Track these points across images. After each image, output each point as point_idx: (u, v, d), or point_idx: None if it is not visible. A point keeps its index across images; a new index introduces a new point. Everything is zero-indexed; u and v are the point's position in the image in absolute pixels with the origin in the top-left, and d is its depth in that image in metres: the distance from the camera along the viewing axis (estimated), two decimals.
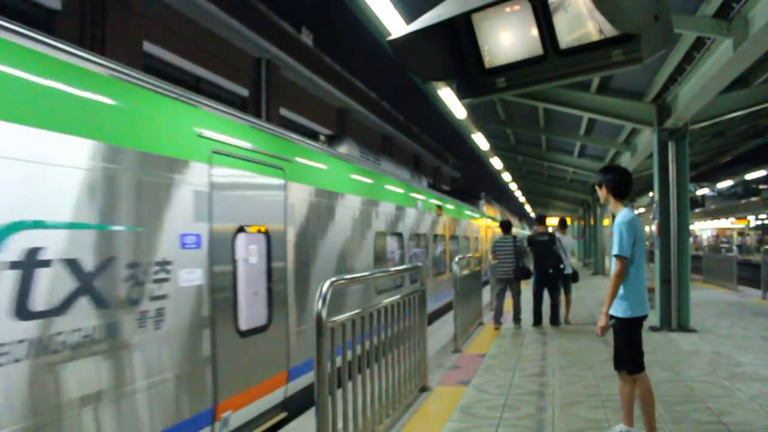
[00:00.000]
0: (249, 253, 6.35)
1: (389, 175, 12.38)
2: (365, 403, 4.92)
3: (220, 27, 17.62)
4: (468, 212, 22.39)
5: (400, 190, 12.80)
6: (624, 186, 5.09)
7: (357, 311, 4.84)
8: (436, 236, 16.27)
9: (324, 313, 4.02)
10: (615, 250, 4.86)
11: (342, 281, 4.56)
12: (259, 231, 6.54)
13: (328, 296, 4.07)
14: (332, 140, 10.74)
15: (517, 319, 11.67)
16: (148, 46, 14.59)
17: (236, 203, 6.09)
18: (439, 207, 16.73)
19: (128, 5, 13.87)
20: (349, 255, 9.28)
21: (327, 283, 4.15)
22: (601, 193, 5.13)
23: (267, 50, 19.80)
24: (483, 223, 26.02)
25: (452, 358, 8.84)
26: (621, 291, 4.85)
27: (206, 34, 17.31)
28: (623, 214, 4.99)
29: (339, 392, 4.46)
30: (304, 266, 7.64)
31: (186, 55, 16.26)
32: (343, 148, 10.63)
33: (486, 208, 27.73)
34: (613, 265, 4.97)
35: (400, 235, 12.48)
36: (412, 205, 13.59)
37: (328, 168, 8.75)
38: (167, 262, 4.97)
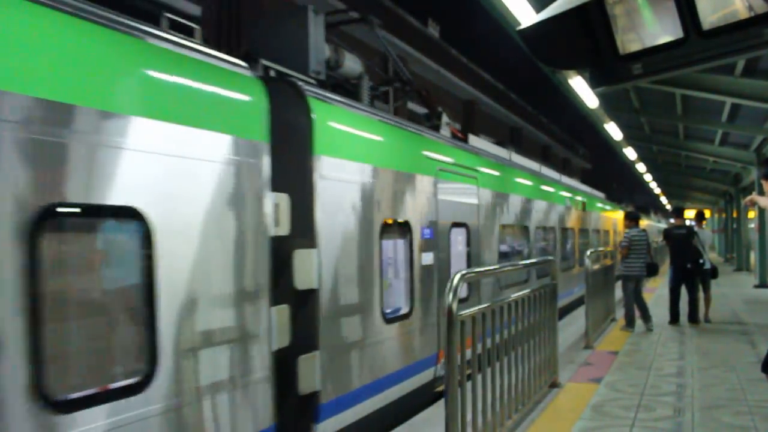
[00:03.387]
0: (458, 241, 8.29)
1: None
2: (494, 396, 4.89)
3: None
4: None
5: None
6: None
7: (486, 305, 4.82)
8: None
9: (455, 306, 3.99)
10: None
11: (471, 274, 4.54)
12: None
13: (459, 289, 4.05)
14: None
15: (647, 318, 10.76)
16: None
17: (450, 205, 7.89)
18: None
19: None
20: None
21: (457, 277, 4.13)
22: None
23: (393, 44, 19.98)
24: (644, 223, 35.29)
25: (583, 354, 8.62)
26: None
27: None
28: None
29: (468, 385, 4.45)
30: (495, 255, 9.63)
31: None
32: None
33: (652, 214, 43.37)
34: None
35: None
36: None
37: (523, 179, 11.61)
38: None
